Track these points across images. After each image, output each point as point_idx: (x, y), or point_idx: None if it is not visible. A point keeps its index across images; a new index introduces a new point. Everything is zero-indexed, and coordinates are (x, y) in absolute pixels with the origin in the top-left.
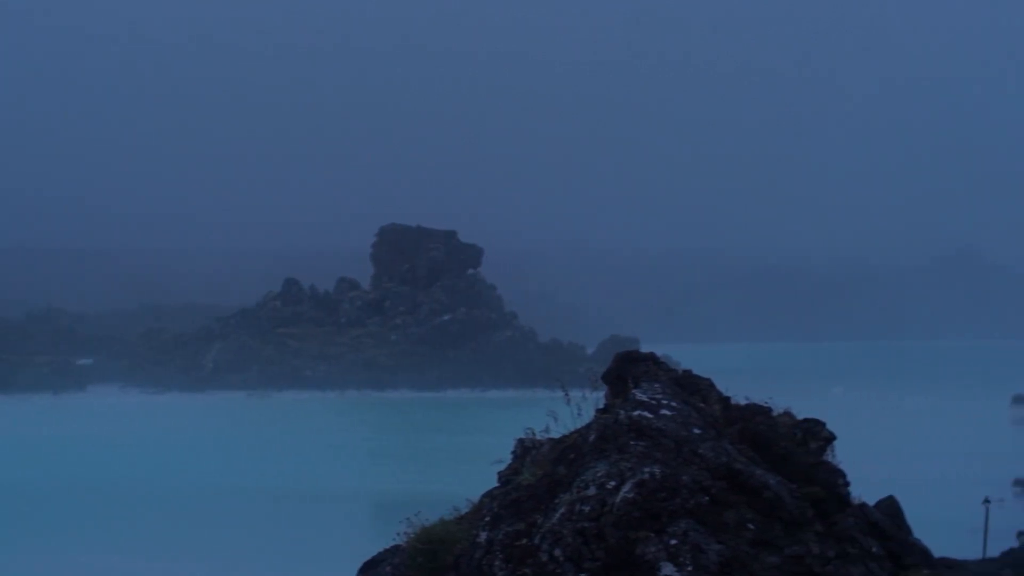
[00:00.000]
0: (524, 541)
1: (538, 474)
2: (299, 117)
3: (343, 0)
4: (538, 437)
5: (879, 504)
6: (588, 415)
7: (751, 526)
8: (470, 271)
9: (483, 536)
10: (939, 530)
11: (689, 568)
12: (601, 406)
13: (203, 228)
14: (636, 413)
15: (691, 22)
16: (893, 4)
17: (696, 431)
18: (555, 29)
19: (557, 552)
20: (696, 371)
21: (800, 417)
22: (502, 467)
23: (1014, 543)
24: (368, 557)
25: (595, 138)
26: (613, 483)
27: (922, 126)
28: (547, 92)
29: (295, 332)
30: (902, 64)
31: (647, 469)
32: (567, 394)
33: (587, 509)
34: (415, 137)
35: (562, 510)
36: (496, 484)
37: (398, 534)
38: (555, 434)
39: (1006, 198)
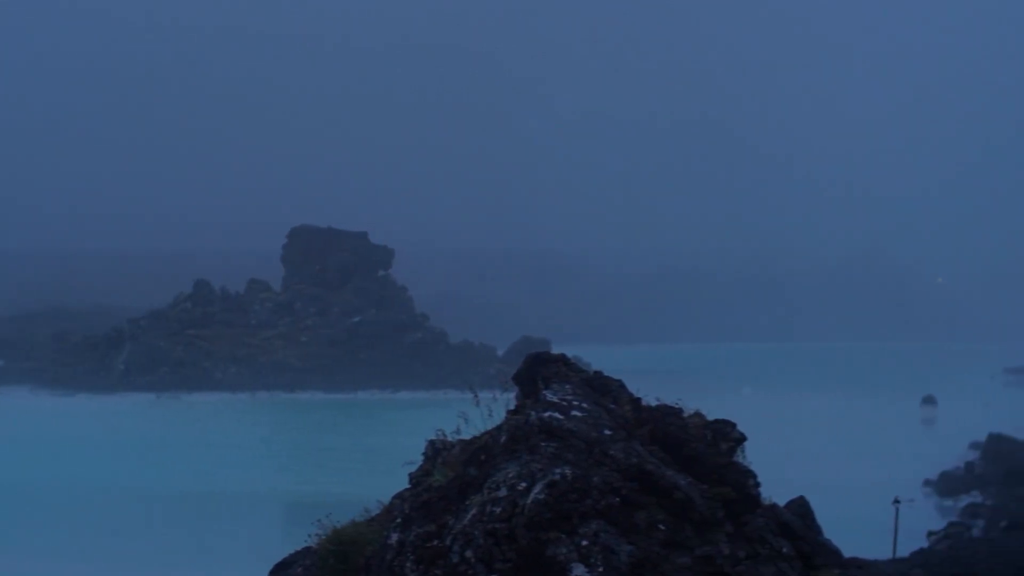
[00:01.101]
0: (435, 542)
1: (449, 475)
2: (209, 117)
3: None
4: (449, 438)
5: (789, 504)
6: (499, 416)
7: (662, 527)
8: (381, 272)
9: (394, 537)
10: (850, 530)
11: (600, 569)
12: (512, 407)
13: (113, 229)
14: (547, 414)
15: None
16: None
17: (607, 432)
18: (475, 28)
19: (468, 553)
20: (607, 372)
21: (710, 418)
22: (413, 468)
23: (924, 543)
24: (279, 559)
25: (504, 139)
26: (524, 484)
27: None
28: (455, 91)
29: (205, 334)
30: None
31: (558, 470)
32: (477, 395)
33: (498, 510)
34: (326, 138)
35: (473, 511)
36: (407, 486)
37: (309, 536)
38: (466, 435)
39: (912, 200)
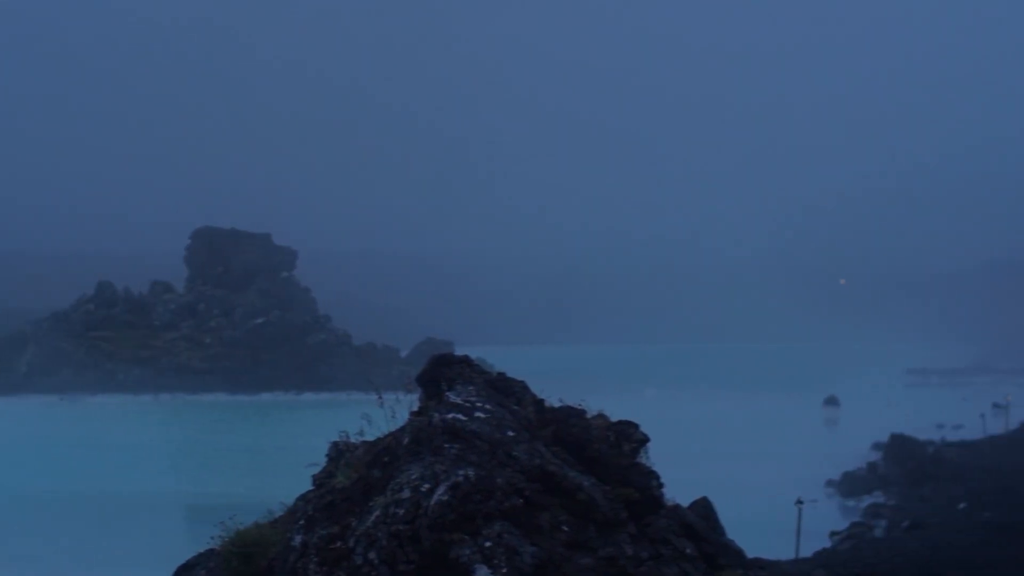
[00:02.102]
0: (338, 544)
1: (352, 477)
2: (111, 117)
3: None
4: (352, 440)
5: (693, 505)
6: (402, 418)
7: (565, 528)
8: (284, 274)
9: (297, 539)
10: (753, 531)
11: (504, 570)
12: (415, 409)
13: (13, 230)
14: (450, 416)
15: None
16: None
17: (510, 433)
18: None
19: (372, 555)
20: (510, 373)
21: (614, 419)
22: (316, 470)
23: (827, 543)
24: (182, 561)
25: (409, 141)
26: (427, 486)
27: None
28: (360, 93)
29: (108, 336)
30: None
31: (461, 471)
32: (381, 397)
33: (401, 512)
34: (230, 139)
35: (376, 513)
36: (310, 487)
37: (212, 538)
38: (369, 437)
39: (814, 202)
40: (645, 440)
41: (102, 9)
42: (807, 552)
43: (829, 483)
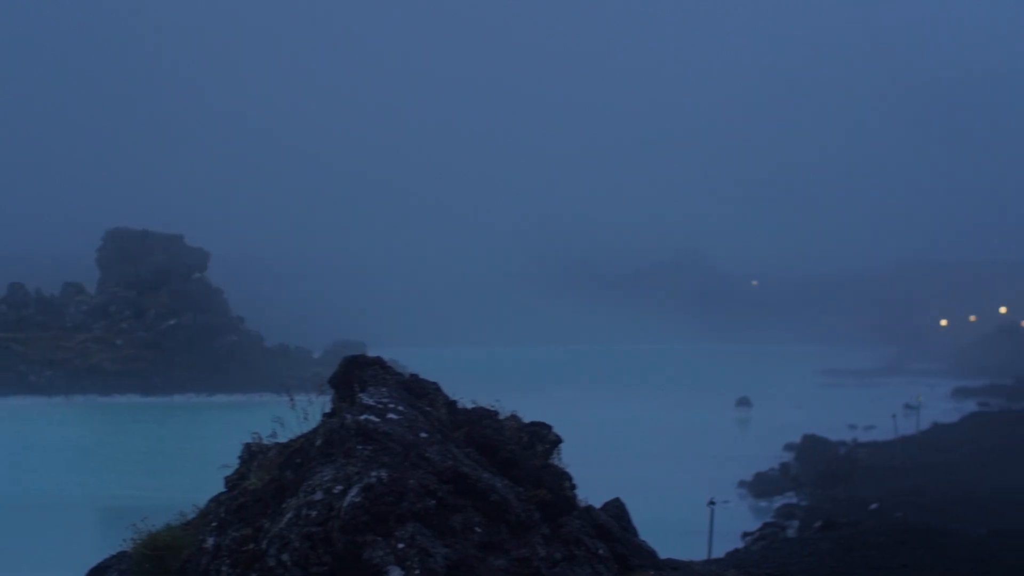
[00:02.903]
0: (251, 546)
1: (265, 479)
2: (22, 114)
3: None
4: (265, 442)
5: (606, 506)
6: (315, 419)
7: (478, 529)
8: (196, 275)
9: (210, 541)
10: (665, 532)
11: (416, 571)
12: (328, 410)
13: None
14: (363, 417)
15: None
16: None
17: (423, 435)
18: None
19: (284, 557)
20: (423, 375)
21: (527, 420)
22: (229, 472)
23: (739, 543)
24: (94, 564)
25: (325, 138)
26: (340, 487)
27: (633, 122)
28: (274, 91)
29: (20, 337)
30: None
31: (374, 473)
32: (293, 398)
33: (314, 514)
34: (143, 138)
35: (289, 515)
36: (223, 489)
37: (124, 540)
38: (282, 439)
39: (727, 201)
40: (558, 441)
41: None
42: (719, 552)
43: (741, 484)
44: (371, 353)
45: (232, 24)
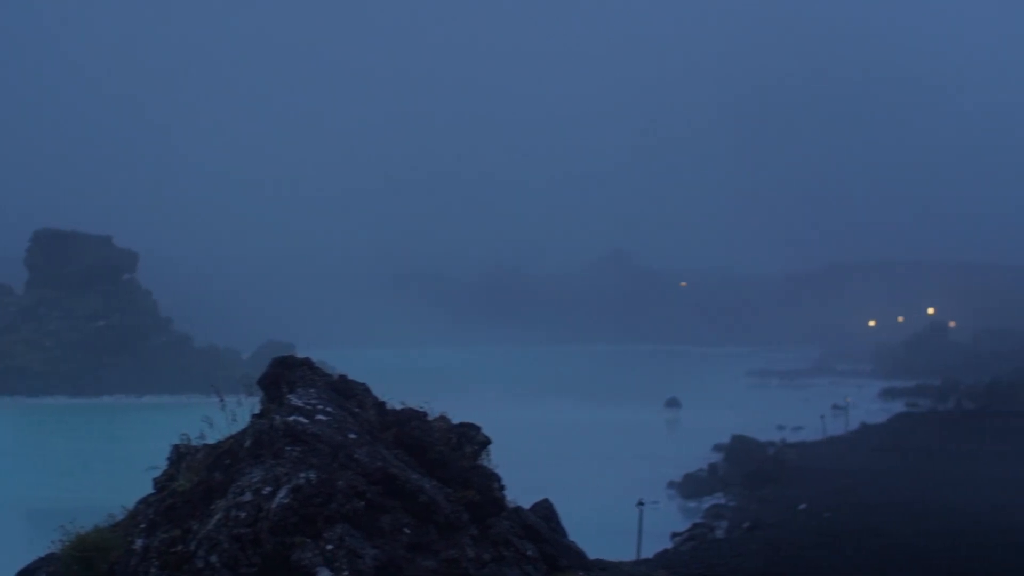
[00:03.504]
0: (180, 547)
1: (194, 480)
2: None
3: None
4: (194, 443)
5: (534, 507)
6: (244, 421)
7: (407, 530)
8: (126, 276)
9: (139, 543)
10: (594, 532)
11: (345, 572)
12: (257, 411)
13: None
14: (291, 418)
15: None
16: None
17: (352, 436)
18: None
19: (213, 558)
20: (352, 376)
21: (456, 421)
22: (158, 473)
23: (668, 544)
24: (22, 566)
25: (252, 138)
26: (269, 489)
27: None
28: (203, 89)
29: None
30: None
31: (303, 474)
32: (223, 399)
33: (243, 515)
34: (71, 139)
35: (218, 516)
36: (152, 491)
37: (53, 542)
38: (211, 440)
39: (656, 205)
40: (487, 442)
41: None
42: (648, 553)
43: (670, 484)
44: (300, 354)
45: (160, 22)
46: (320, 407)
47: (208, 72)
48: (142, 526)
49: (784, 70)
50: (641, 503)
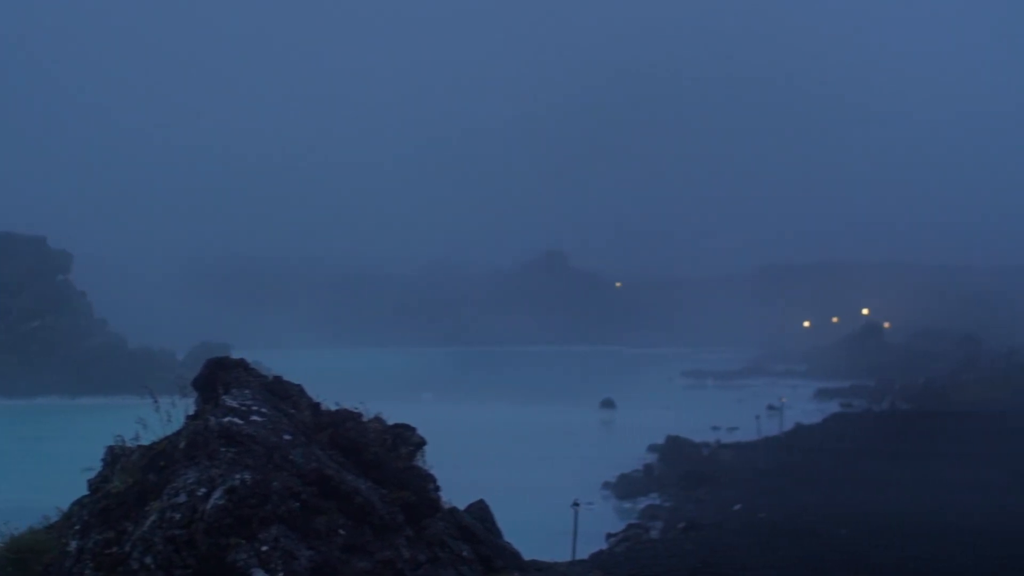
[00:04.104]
0: (115, 549)
1: (128, 482)
2: None
3: None
4: (128, 444)
5: (470, 508)
6: (178, 422)
7: (342, 531)
8: (60, 277)
9: (73, 545)
10: (529, 533)
11: (280, 574)
12: (191, 413)
13: None
14: (226, 419)
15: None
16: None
17: (287, 437)
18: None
19: (148, 560)
20: (287, 377)
21: (391, 422)
22: (92, 475)
23: (603, 545)
24: None
25: (185, 139)
26: (204, 490)
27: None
28: (142, 86)
29: None
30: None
31: (237, 476)
32: (157, 401)
33: (178, 516)
34: (4, 138)
35: (153, 518)
36: (86, 492)
37: None
38: (145, 441)
39: (588, 203)
40: (422, 443)
41: None
42: (583, 554)
43: (605, 485)
44: (235, 355)
45: (95, 19)
46: (255, 408)
47: (153, 67)
48: (76, 528)
49: (721, 78)
50: (576, 504)
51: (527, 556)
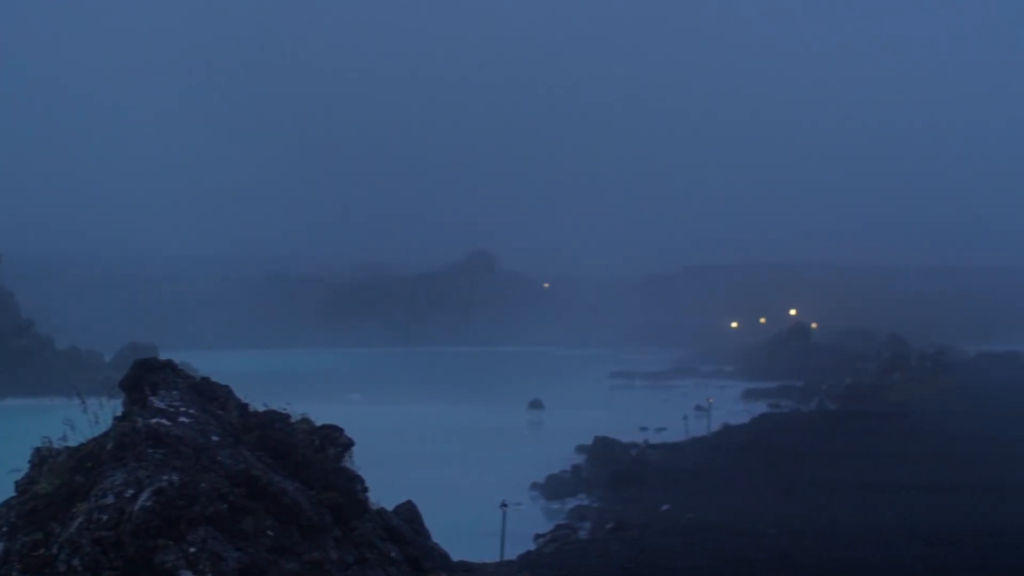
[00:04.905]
0: (42, 551)
1: (56, 483)
2: None
3: None
4: (56, 446)
5: (398, 509)
6: (106, 423)
7: (270, 533)
8: None
9: (0, 546)
10: (458, 534)
11: (208, 575)
12: (119, 414)
13: None
14: (154, 421)
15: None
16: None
17: (215, 438)
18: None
19: (75, 562)
20: (215, 378)
21: (319, 423)
22: (19, 476)
23: (531, 546)
24: None
25: (118, 130)
26: (131, 491)
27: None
28: (67, 77)
29: None
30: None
31: (165, 477)
32: (84, 402)
33: (105, 518)
34: None
35: (80, 519)
36: (13, 494)
37: None
38: (73, 443)
39: (515, 204)
40: (350, 444)
41: None
42: (512, 555)
43: (534, 486)
44: (163, 356)
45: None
46: (183, 409)
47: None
48: (3, 529)
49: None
50: (504, 505)
51: (455, 557)
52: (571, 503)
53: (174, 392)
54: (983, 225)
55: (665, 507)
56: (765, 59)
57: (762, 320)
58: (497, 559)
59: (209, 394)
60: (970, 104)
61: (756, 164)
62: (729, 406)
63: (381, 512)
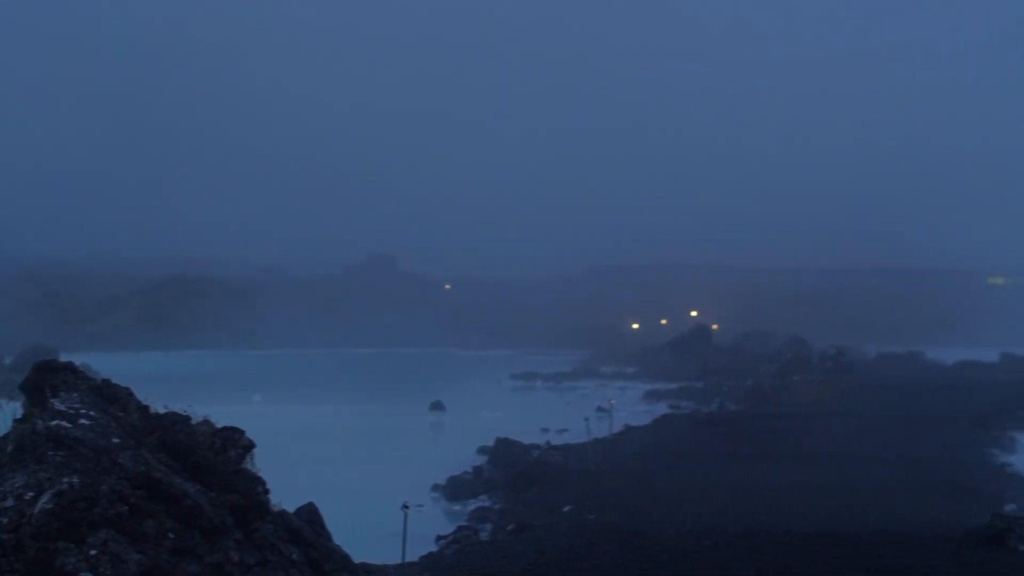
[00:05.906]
0: None
1: None
2: None
3: None
4: None
5: (299, 511)
6: (6, 425)
7: (171, 535)
8: None
9: None
10: (359, 536)
11: None
12: (19, 416)
13: None
14: (54, 423)
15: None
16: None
17: (115, 440)
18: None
19: None
20: (116, 380)
21: (219, 425)
22: None
23: (433, 547)
24: None
25: (11, 144)
26: (31, 494)
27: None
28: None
29: None
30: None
31: (66, 479)
32: None
33: (5, 521)
34: None
35: None
36: None
37: None
38: None
39: (416, 206)
40: (251, 446)
41: None
42: (413, 556)
43: (435, 487)
44: (63, 358)
45: None
46: (83, 411)
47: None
48: None
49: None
50: (406, 506)
51: (357, 558)
52: (473, 504)
53: (75, 394)
54: (880, 228)
55: (567, 508)
56: (662, 63)
57: (663, 321)
58: (399, 560)
59: (110, 396)
60: (866, 108)
61: (660, 165)
62: (630, 407)
63: (282, 514)
